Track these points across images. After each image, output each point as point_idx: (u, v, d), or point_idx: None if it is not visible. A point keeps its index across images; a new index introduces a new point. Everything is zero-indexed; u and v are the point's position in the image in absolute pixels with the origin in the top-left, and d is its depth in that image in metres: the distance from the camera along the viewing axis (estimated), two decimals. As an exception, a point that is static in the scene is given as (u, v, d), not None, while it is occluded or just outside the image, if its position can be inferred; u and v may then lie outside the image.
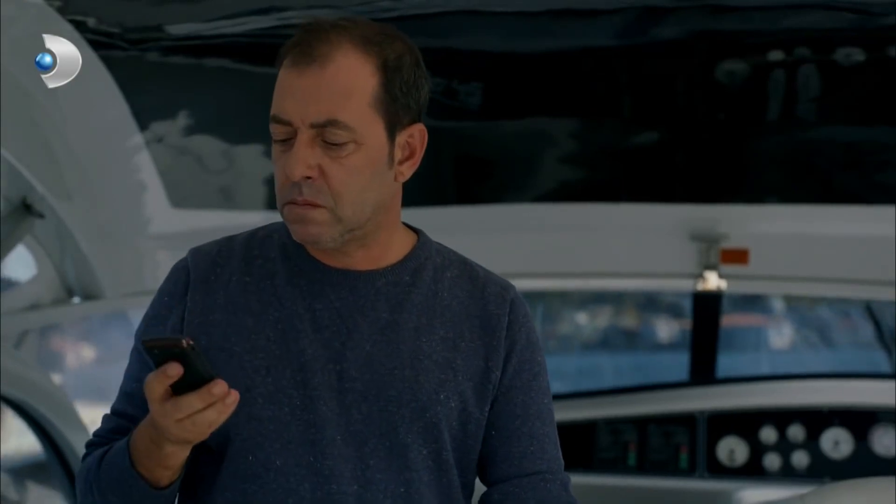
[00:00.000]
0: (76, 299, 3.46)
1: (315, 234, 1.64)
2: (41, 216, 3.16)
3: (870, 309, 4.76)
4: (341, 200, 1.63)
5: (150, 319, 1.76)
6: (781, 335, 8.24)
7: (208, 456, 1.71)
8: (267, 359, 1.67)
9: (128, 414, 1.75)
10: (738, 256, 3.70)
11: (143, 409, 1.69)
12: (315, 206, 1.62)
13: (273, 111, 1.64)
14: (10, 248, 3.19)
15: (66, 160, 2.98)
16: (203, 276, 1.73)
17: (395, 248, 1.74)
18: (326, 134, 1.61)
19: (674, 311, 8.02)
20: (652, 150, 3.40)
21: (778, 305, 7.93)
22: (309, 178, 1.62)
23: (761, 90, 3.10)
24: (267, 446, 1.66)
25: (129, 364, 1.78)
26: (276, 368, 1.67)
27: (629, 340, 8.63)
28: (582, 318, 8.63)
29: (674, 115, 3.28)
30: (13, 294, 3.46)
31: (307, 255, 1.72)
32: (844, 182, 3.53)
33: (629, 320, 8.62)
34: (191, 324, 1.70)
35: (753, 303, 7.64)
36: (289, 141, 1.63)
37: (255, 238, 1.77)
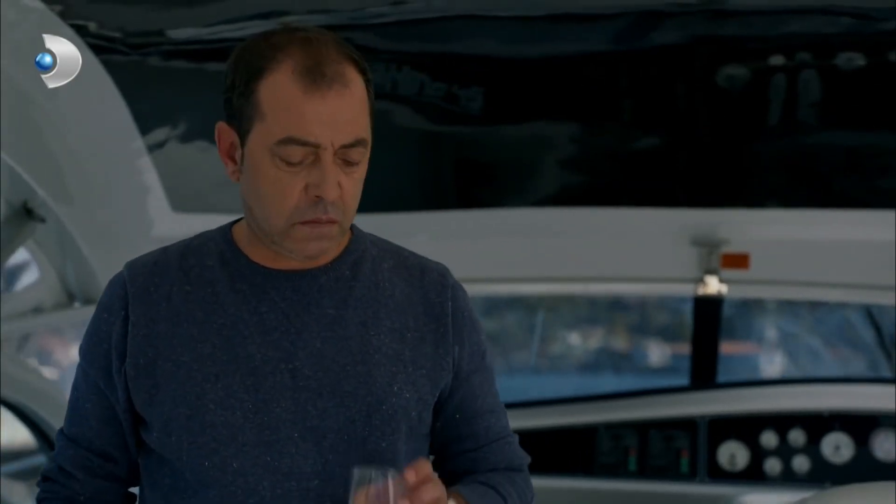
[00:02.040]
0: (77, 303, 3.47)
1: (324, 249, 1.69)
2: (42, 220, 3.17)
3: (870, 314, 4.76)
4: (348, 213, 1.68)
5: (92, 336, 1.76)
6: (773, 363, 8.24)
7: (161, 467, 1.73)
8: (215, 366, 1.68)
9: (85, 439, 1.77)
10: (738, 261, 3.70)
11: (100, 430, 1.75)
12: (335, 223, 1.66)
13: (293, 132, 1.62)
14: (11, 252, 3.19)
15: (67, 164, 2.98)
16: (142, 288, 1.73)
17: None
18: (351, 153, 1.65)
19: (665, 334, 8.02)
20: (653, 154, 3.41)
21: (771, 334, 7.93)
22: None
23: (762, 95, 3.10)
24: (222, 451, 1.67)
25: (76, 381, 1.79)
26: (225, 374, 1.68)
27: (620, 364, 8.62)
28: (574, 338, 8.63)
29: (675, 120, 3.29)
30: (15, 298, 3.46)
31: (246, 259, 1.73)
32: (845, 186, 3.53)
33: (620, 343, 8.62)
34: (136, 336, 1.71)
35: (745, 331, 7.65)
36: (301, 161, 1.63)
37: (190, 248, 1.77)
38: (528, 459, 1.89)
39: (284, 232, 1.66)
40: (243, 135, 1.67)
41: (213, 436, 1.67)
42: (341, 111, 1.63)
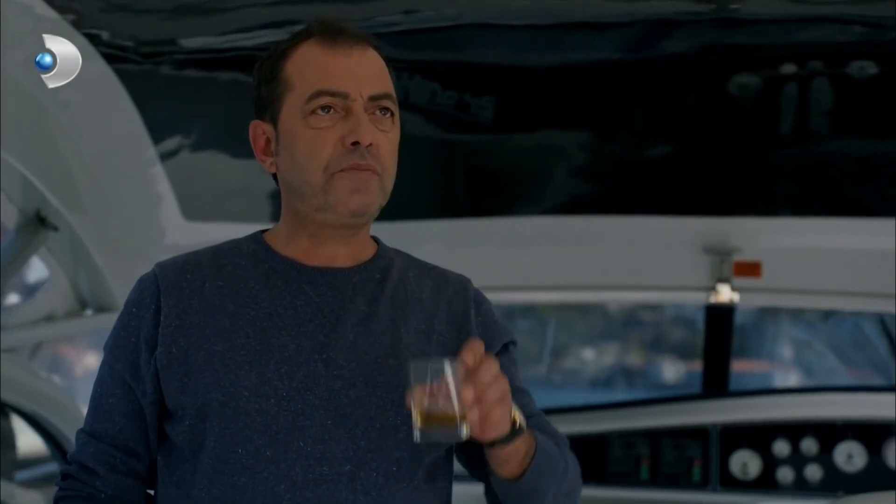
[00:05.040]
0: (89, 311, 3.48)
1: (367, 204, 1.72)
2: (55, 229, 3.18)
3: (883, 323, 4.75)
4: (386, 172, 1.73)
5: (120, 331, 1.78)
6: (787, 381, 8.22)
7: (183, 463, 1.73)
8: (249, 354, 1.71)
9: (108, 434, 1.77)
10: (751, 269, 3.69)
11: (124, 425, 1.76)
12: (374, 172, 1.70)
13: (321, 86, 1.70)
14: (24, 260, 3.20)
15: (80, 173, 2.99)
16: (174, 283, 1.76)
17: (367, 248, 1.82)
18: (382, 103, 1.72)
19: (680, 352, 8.02)
20: (664, 162, 3.40)
21: (786, 352, 7.92)
22: (371, 144, 1.69)
23: (774, 103, 3.10)
24: (256, 438, 1.68)
25: (101, 378, 1.80)
26: (259, 363, 1.70)
27: (635, 379, 8.61)
28: (588, 354, 8.63)
29: (686, 128, 3.29)
30: (27, 306, 3.47)
31: (280, 257, 1.77)
32: (857, 195, 3.53)
33: (635, 359, 8.61)
34: (167, 327, 1.73)
35: (760, 349, 7.64)
36: (331, 115, 1.70)
37: (221, 250, 1.81)
38: (566, 439, 1.89)
39: (325, 186, 1.70)
40: (275, 116, 1.74)
41: (246, 423, 1.68)
42: (366, 65, 1.73)
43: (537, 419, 1.87)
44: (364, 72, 1.72)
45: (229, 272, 1.77)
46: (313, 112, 1.70)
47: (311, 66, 1.71)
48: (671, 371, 8.26)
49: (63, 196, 2.99)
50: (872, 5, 2.68)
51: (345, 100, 1.69)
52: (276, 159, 1.76)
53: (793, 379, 7.92)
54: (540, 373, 8.02)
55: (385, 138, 1.72)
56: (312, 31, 1.74)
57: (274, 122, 1.75)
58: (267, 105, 1.75)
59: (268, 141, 1.76)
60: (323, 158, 1.69)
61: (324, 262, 1.76)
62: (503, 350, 1.85)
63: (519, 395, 1.84)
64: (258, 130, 1.78)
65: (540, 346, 7.88)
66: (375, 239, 1.85)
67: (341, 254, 1.77)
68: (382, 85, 1.73)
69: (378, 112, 1.72)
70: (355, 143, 1.68)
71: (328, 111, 1.70)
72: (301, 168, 1.71)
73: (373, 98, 1.71)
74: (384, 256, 1.82)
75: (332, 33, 1.72)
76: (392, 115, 1.74)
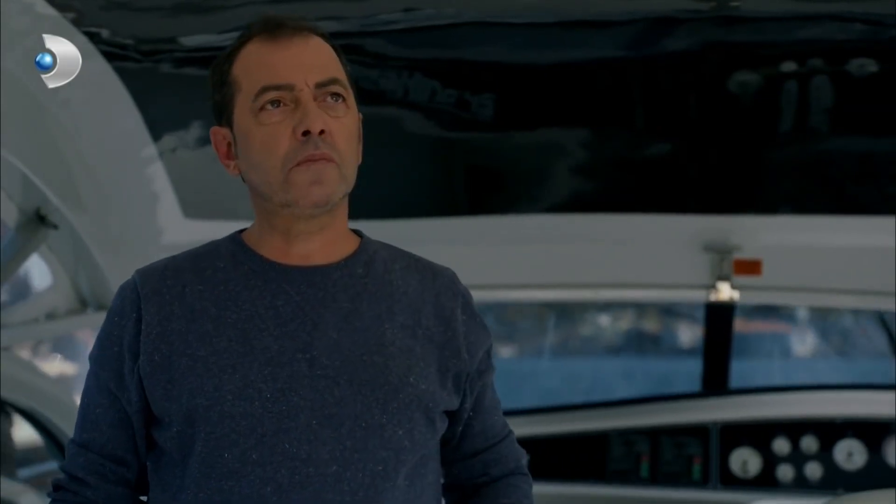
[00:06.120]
0: (90, 309, 3.48)
1: (328, 194, 1.70)
2: (55, 227, 3.18)
3: (883, 320, 4.75)
4: (344, 158, 1.70)
5: (104, 340, 1.78)
6: (804, 343, 8.22)
7: (173, 468, 1.73)
8: (232, 358, 1.70)
9: (97, 444, 1.78)
10: (751, 267, 3.70)
11: (111, 434, 1.76)
12: (330, 160, 1.68)
13: (265, 82, 1.69)
14: (24, 258, 3.20)
15: (80, 171, 2.99)
16: (154, 289, 1.75)
17: (346, 242, 1.80)
18: (330, 89, 1.70)
19: (695, 317, 8.03)
20: (664, 160, 3.40)
21: (801, 314, 7.91)
22: (323, 132, 1.68)
23: (774, 101, 3.10)
24: (242, 442, 1.68)
25: (87, 388, 1.80)
26: (242, 365, 1.69)
27: (650, 345, 8.63)
28: (603, 320, 8.64)
29: (686, 126, 3.29)
30: (28, 304, 3.48)
31: (260, 257, 1.76)
32: (857, 193, 3.53)
33: (650, 325, 8.63)
34: (149, 335, 1.72)
35: (773, 311, 7.62)
36: (281, 108, 1.69)
37: (200, 253, 1.81)
38: (526, 456, 1.95)
39: (284, 183, 1.69)
40: (230, 119, 1.74)
41: (232, 427, 1.68)
42: (309, 54, 1.71)
43: (505, 446, 1.91)
44: (308, 61, 1.70)
45: (209, 275, 1.76)
46: (262, 109, 1.69)
47: (254, 64, 1.71)
48: (687, 335, 8.27)
49: (63, 194, 2.99)
50: (872, 3, 2.68)
51: (291, 91, 1.68)
52: (238, 162, 1.76)
53: (808, 340, 7.91)
54: (547, 342, 8.03)
55: (338, 124, 1.70)
56: (254, 30, 1.74)
57: (230, 125, 1.75)
58: (222, 109, 1.76)
59: (229, 145, 1.76)
60: (279, 154, 1.68)
61: (300, 259, 1.75)
62: (485, 359, 1.85)
63: (490, 413, 1.88)
64: (218, 136, 1.78)
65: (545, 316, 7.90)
66: (359, 233, 1.83)
67: (315, 249, 1.75)
68: (329, 71, 1.71)
69: (329, 98, 1.70)
70: (306, 133, 1.67)
71: (277, 105, 1.69)
72: (259, 167, 1.71)
73: (320, 85, 1.69)
74: (367, 251, 1.80)
75: (273, 28, 1.72)
76: (344, 100, 1.72)
